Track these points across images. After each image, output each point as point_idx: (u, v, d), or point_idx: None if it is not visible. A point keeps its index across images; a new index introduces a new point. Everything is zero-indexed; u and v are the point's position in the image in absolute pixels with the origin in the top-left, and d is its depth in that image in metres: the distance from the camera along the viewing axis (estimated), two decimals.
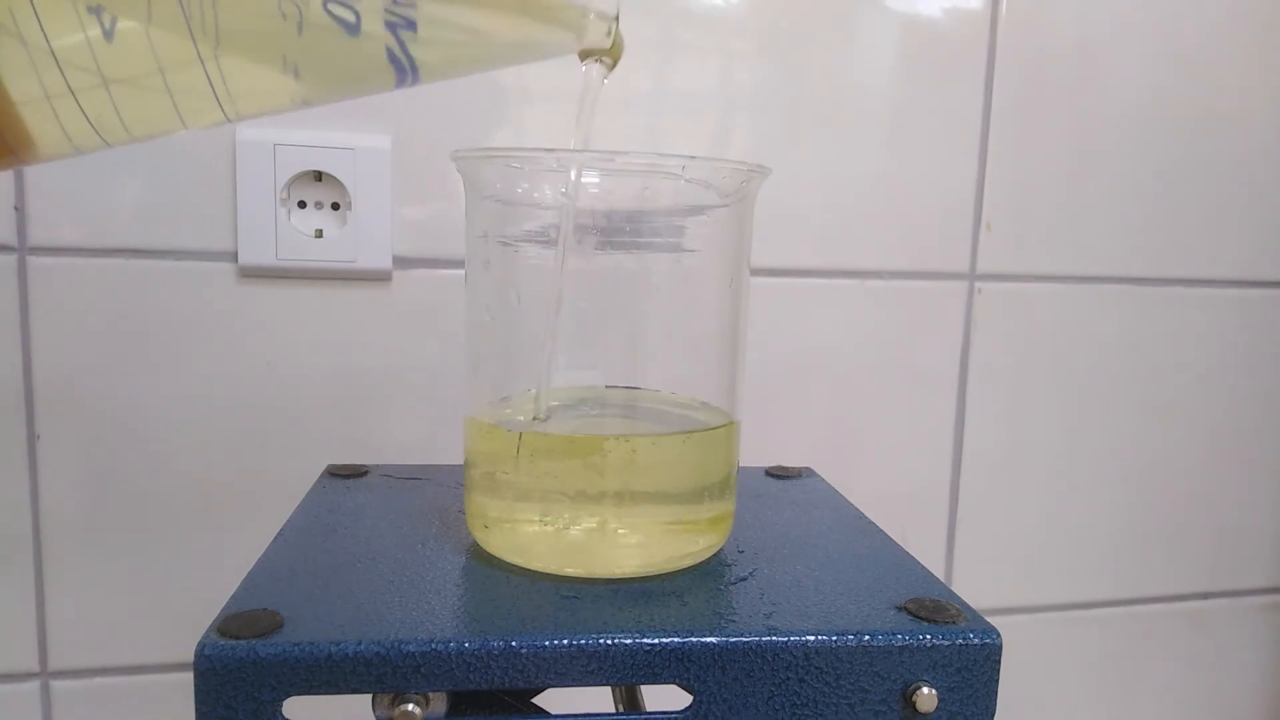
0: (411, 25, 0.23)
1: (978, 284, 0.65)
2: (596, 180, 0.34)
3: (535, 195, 0.35)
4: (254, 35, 0.22)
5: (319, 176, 0.55)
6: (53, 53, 0.21)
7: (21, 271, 0.52)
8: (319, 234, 0.55)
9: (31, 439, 0.53)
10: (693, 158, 0.33)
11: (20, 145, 0.22)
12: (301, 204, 0.55)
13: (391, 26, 0.22)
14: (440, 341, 0.57)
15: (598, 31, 0.27)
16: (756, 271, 0.60)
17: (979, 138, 0.64)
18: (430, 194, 0.56)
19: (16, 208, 0.51)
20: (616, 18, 0.26)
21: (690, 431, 0.36)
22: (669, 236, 0.36)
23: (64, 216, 0.52)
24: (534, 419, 0.34)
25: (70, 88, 0.21)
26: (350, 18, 0.22)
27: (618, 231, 0.35)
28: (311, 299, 0.56)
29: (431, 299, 0.57)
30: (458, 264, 0.57)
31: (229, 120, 0.23)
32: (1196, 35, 0.66)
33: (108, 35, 0.21)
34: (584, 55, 0.32)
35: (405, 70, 0.24)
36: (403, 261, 0.56)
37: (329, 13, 0.22)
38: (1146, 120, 0.66)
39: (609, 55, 0.28)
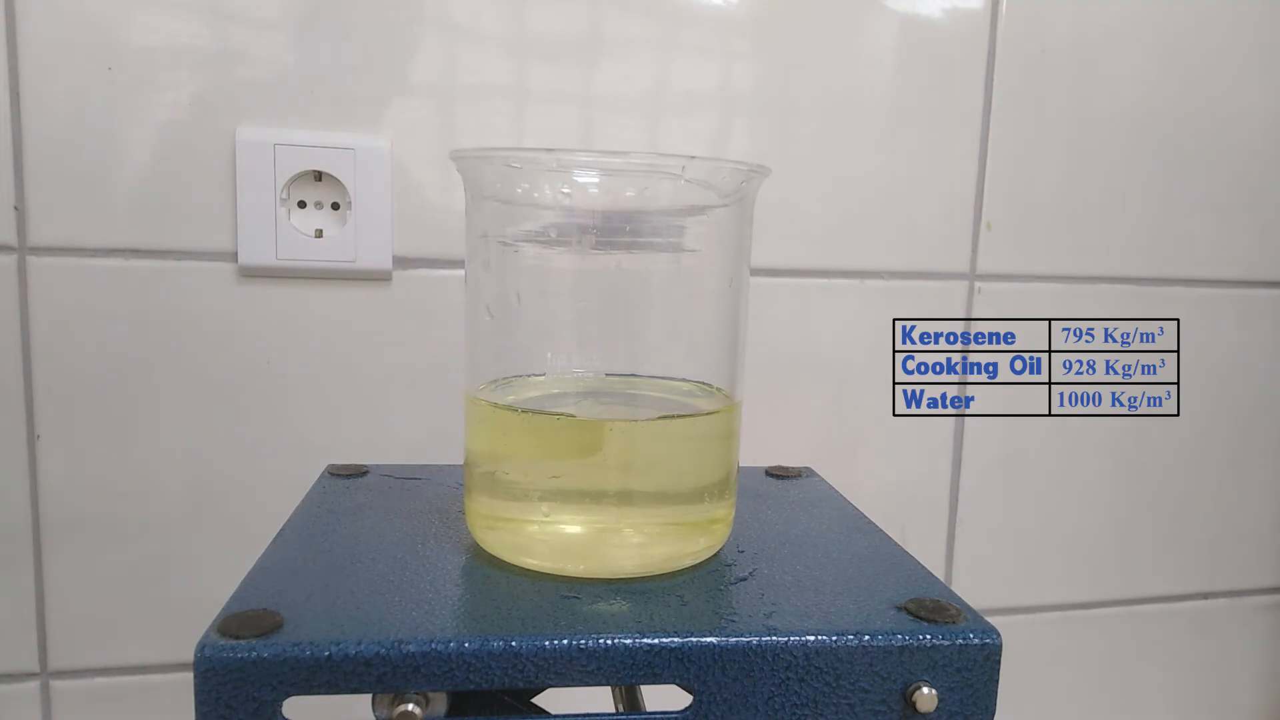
0: None
1: (978, 284, 0.65)
2: (597, 180, 0.34)
3: (535, 195, 0.35)
4: None
5: (319, 176, 0.55)
6: None
7: (21, 271, 0.52)
8: (319, 234, 0.55)
9: (31, 439, 0.53)
10: (693, 158, 0.33)
11: None
12: (301, 204, 0.55)
13: None
14: (440, 341, 0.57)
15: None
16: (756, 271, 0.60)
17: (979, 137, 0.64)
18: (430, 194, 0.56)
19: (16, 208, 0.51)
20: None
21: (693, 415, 0.36)
22: (669, 236, 0.36)
23: (64, 216, 0.52)
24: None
25: None
26: None
27: (618, 231, 0.35)
28: (311, 299, 0.56)
29: (431, 299, 0.57)
30: (458, 264, 0.57)
31: None
32: (1196, 34, 0.66)
33: None
34: None
35: None
36: (403, 261, 0.56)
37: None
38: (1146, 119, 0.66)
39: None
